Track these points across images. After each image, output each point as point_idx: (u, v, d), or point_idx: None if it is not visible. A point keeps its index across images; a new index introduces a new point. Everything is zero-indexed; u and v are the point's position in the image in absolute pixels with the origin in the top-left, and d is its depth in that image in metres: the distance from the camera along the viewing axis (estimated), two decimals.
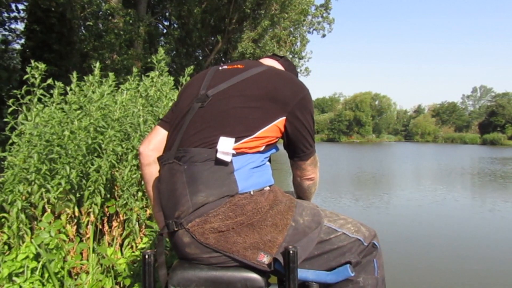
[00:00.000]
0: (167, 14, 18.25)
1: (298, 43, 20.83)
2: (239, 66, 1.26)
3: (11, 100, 2.37)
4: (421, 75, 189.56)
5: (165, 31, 18.13)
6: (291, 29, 19.64)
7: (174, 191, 1.10)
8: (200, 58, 18.92)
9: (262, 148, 1.14)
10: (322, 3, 21.13)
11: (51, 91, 2.58)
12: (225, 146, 1.08)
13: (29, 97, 2.44)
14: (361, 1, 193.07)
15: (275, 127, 1.15)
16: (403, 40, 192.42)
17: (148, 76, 2.95)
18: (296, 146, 1.23)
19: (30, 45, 8.33)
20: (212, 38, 19.03)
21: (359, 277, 1.20)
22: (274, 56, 1.44)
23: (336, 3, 51.82)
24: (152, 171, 1.28)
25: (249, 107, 1.13)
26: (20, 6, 9.80)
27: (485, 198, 8.60)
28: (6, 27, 10.09)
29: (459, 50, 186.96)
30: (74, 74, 2.73)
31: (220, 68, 1.28)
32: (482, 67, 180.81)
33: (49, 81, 2.54)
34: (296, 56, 20.44)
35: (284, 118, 1.16)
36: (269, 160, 1.24)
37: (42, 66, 2.50)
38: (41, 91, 2.50)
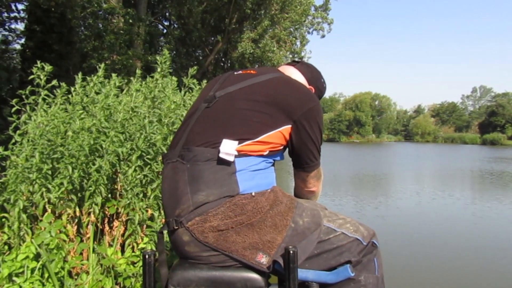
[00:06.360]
0: (167, 14, 18.25)
1: (298, 43, 20.85)
2: (251, 71, 1.27)
3: (14, 100, 2.38)
4: (421, 75, 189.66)
5: (165, 31, 18.13)
6: (291, 29, 19.64)
7: (176, 189, 1.11)
8: (200, 58, 18.92)
9: (265, 153, 1.14)
10: (320, 4, 21.16)
11: (53, 91, 2.59)
12: (228, 148, 1.08)
13: (33, 97, 2.45)
14: (361, 1, 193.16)
15: (279, 134, 1.15)
16: (403, 40, 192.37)
17: (152, 77, 2.95)
18: (300, 157, 1.23)
19: (30, 45, 8.34)
20: (212, 38, 19.04)
21: (361, 276, 1.20)
22: (291, 63, 1.43)
23: (336, 3, 51.82)
24: None
25: (253, 111, 1.13)
26: (20, 6, 9.83)
27: (485, 198, 8.60)
28: (6, 27, 10.10)
29: (459, 50, 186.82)
30: (80, 75, 2.74)
31: (235, 73, 1.30)
32: (482, 67, 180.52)
33: (54, 82, 2.54)
34: (296, 56, 20.43)
35: (290, 126, 1.15)
36: (273, 165, 1.23)
37: (49, 67, 2.50)
38: (46, 91, 2.51)
